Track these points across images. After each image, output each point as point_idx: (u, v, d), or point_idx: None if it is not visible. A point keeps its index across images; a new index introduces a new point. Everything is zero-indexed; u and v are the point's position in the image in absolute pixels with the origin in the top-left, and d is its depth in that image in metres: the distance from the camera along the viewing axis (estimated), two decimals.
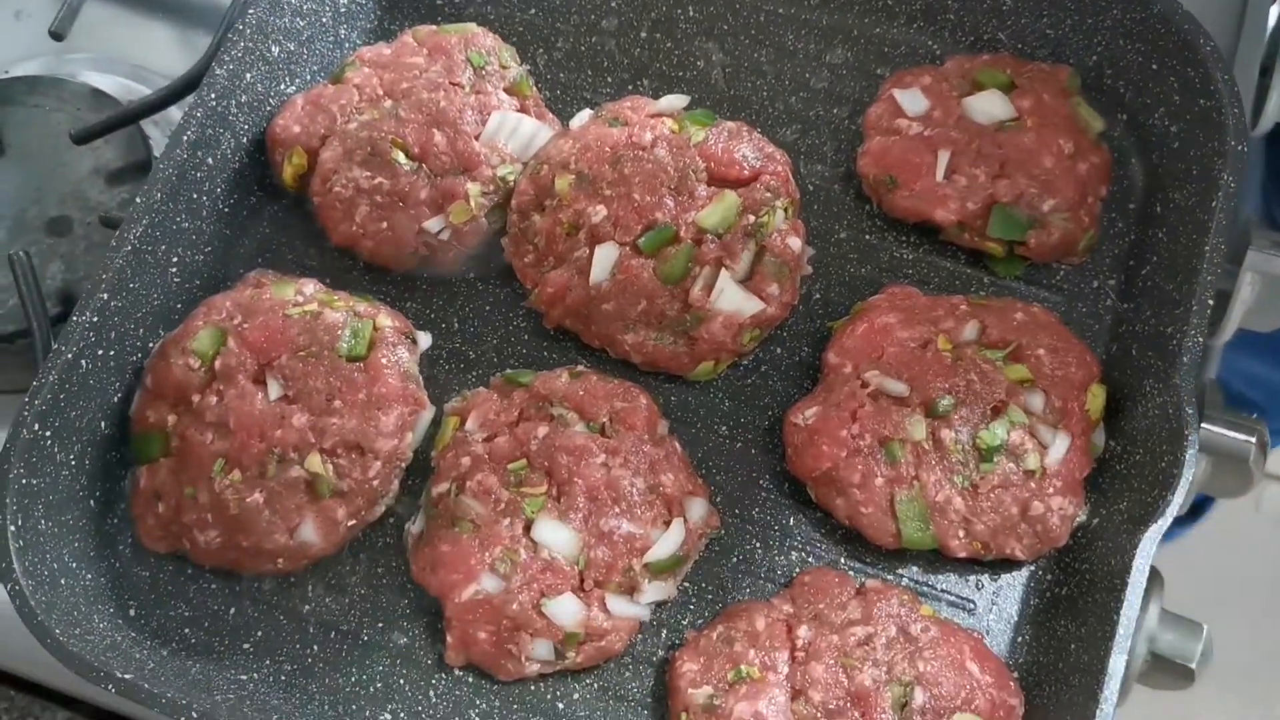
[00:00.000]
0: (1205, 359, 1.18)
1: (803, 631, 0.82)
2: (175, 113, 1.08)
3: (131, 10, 1.18)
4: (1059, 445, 0.85)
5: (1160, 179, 0.96)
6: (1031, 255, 0.94)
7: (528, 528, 0.84)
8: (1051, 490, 0.84)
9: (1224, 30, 1.07)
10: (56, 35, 1.09)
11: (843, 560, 0.89)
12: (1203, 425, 0.90)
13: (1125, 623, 0.77)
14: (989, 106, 0.95)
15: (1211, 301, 0.85)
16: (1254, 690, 2.24)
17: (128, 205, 1.04)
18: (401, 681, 0.87)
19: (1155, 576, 0.85)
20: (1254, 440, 0.90)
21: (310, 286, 0.93)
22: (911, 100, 0.96)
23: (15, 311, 1.00)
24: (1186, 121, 0.93)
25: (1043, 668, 0.84)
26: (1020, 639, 0.86)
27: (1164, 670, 0.84)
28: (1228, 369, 1.90)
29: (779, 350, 0.95)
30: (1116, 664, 0.76)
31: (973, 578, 0.88)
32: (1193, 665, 0.84)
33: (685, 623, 0.87)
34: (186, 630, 0.89)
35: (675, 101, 0.98)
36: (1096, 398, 0.87)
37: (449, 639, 0.85)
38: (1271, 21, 1.06)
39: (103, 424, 0.90)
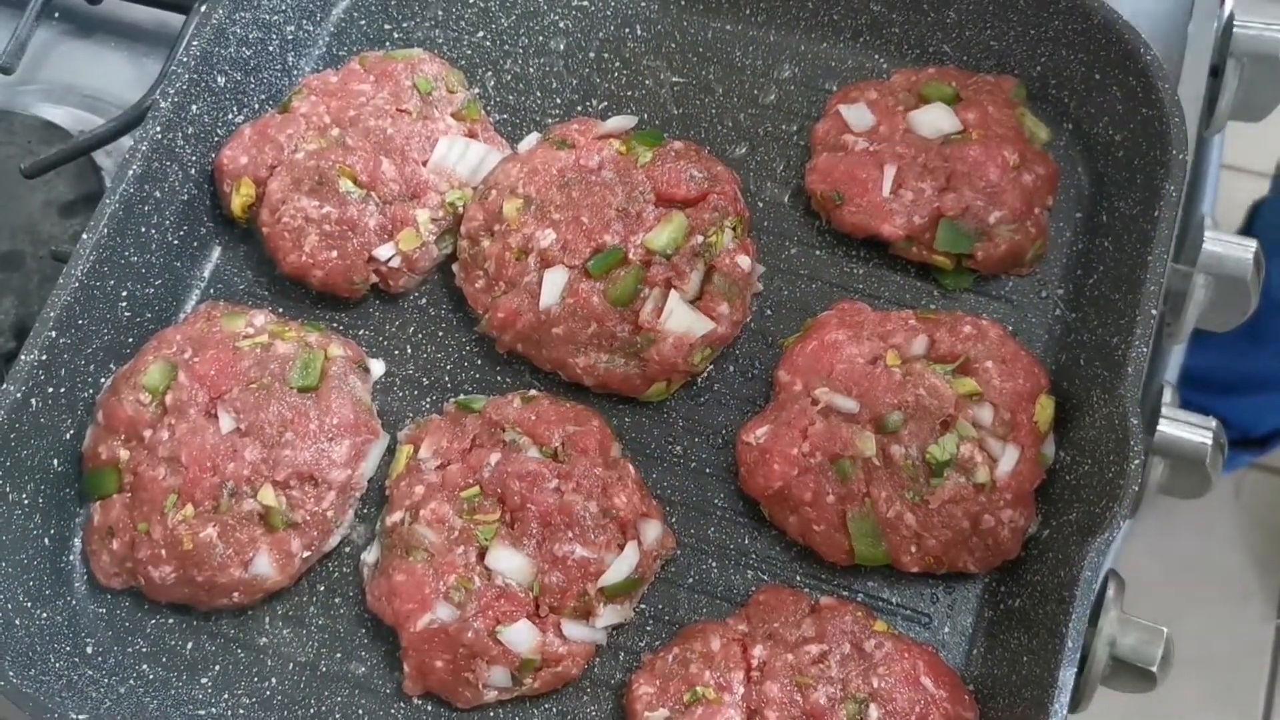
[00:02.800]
0: (1162, 362, 1.19)
1: (758, 651, 0.83)
2: (128, 142, 1.07)
3: (81, 39, 1.18)
4: (1008, 458, 0.86)
5: (1106, 188, 0.96)
6: (979, 267, 0.94)
7: (481, 555, 0.85)
8: (1002, 503, 0.85)
9: (1172, 32, 1.07)
10: (5, 70, 1.09)
11: (798, 578, 0.89)
12: (1159, 428, 0.91)
13: (1074, 635, 0.77)
14: (934, 120, 0.96)
15: (1156, 312, 0.85)
16: (1232, 675, 2.26)
17: (80, 238, 1.04)
18: (361, 712, 0.87)
19: (1116, 581, 0.86)
20: (1209, 442, 0.91)
21: (261, 318, 0.93)
22: (857, 116, 0.97)
23: None
24: (1130, 130, 0.94)
25: (997, 680, 0.84)
26: (975, 651, 0.86)
27: (1126, 673, 0.85)
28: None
29: (732, 369, 0.95)
30: (1066, 677, 0.76)
31: (928, 591, 0.88)
32: (1154, 669, 0.85)
33: (643, 645, 0.88)
34: (144, 666, 0.89)
35: (623, 122, 0.98)
36: (1045, 409, 0.88)
37: (406, 668, 0.85)
38: (1219, 23, 1.07)
39: (55, 461, 0.90)
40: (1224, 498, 2.39)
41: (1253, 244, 0.96)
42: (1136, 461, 0.80)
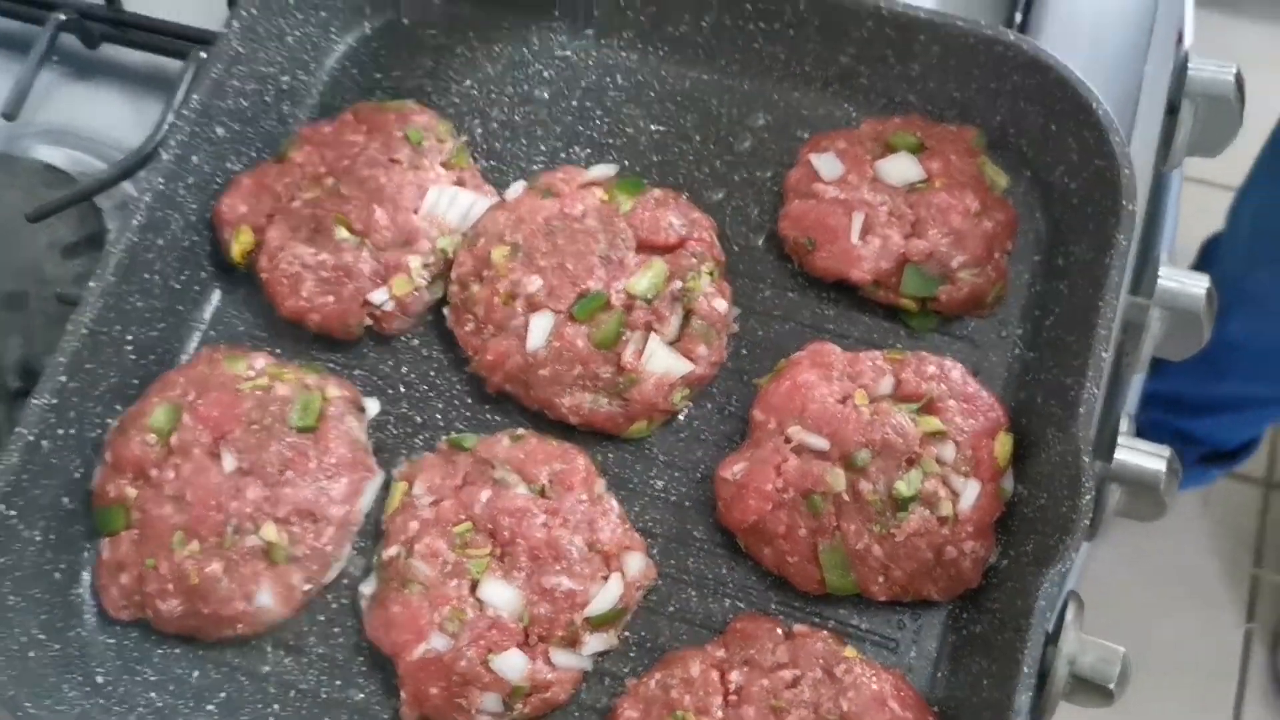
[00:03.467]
0: (1120, 393, 1.24)
1: (735, 675, 0.88)
2: (126, 185, 1.12)
3: (79, 82, 1.21)
4: (970, 492, 0.91)
5: (1062, 233, 1.02)
6: (943, 309, 1.00)
7: (474, 587, 0.89)
8: (964, 535, 0.90)
9: (1129, 73, 1.13)
10: (8, 116, 1.13)
11: (773, 606, 0.94)
12: (1115, 457, 0.96)
13: (1030, 660, 0.83)
14: (900, 170, 1.01)
15: (1107, 354, 0.91)
16: (1202, 680, 2.31)
17: (83, 279, 1.08)
18: None
19: (1076, 603, 0.91)
20: (1163, 469, 0.96)
21: (261, 361, 0.98)
22: (827, 165, 1.02)
23: None
24: (1084, 180, 0.99)
25: (959, 702, 0.89)
26: (940, 674, 0.92)
27: (1085, 691, 0.90)
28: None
29: (709, 407, 1.00)
30: (1022, 701, 0.82)
31: (895, 618, 0.93)
32: (1111, 686, 0.90)
33: (627, 671, 0.92)
34: (153, 694, 0.93)
35: (605, 170, 1.03)
36: (1004, 445, 0.93)
37: (403, 695, 0.89)
38: (1174, 64, 1.12)
39: (65, 499, 0.94)
40: (1193, 506, 2.45)
41: (1205, 280, 1.02)
42: (1088, 497, 0.85)
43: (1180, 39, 1.33)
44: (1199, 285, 1.02)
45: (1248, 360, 1.96)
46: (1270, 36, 2.75)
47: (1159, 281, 1.01)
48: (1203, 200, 2.23)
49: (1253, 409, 2.15)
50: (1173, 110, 1.12)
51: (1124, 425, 1.04)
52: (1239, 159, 1.72)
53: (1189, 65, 1.09)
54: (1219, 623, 2.37)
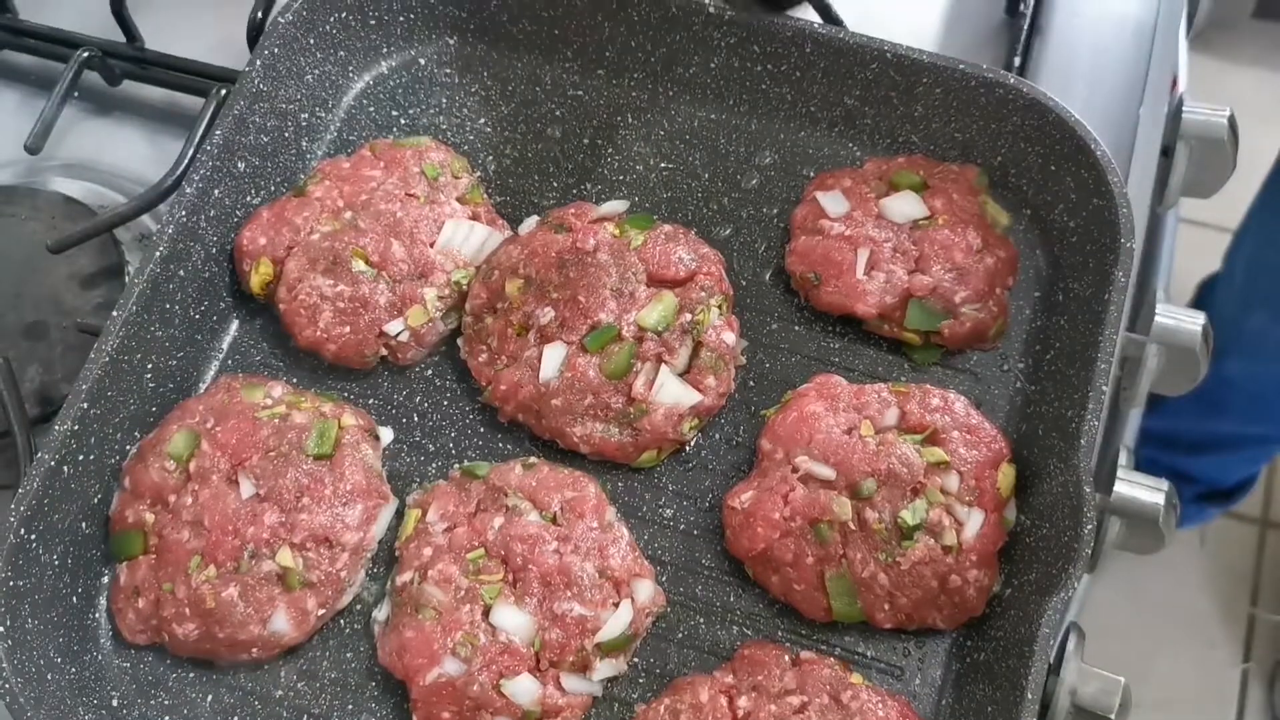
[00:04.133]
0: (1119, 425, 1.26)
1: (743, 702, 0.89)
2: (145, 218, 1.14)
3: (99, 118, 1.24)
4: (973, 522, 0.93)
5: (1061, 270, 1.04)
6: (946, 343, 1.02)
7: (486, 613, 0.91)
8: (968, 564, 0.92)
9: (1125, 116, 1.16)
10: (32, 150, 1.15)
11: (780, 633, 0.95)
12: (1114, 490, 0.98)
13: (1034, 688, 0.84)
14: (904, 207, 1.03)
15: (1107, 388, 0.93)
16: (1198, 718, 2.32)
17: (102, 309, 1.11)
18: None
19: (1077, 634, 0.93)
20: (1162, 503, 0.98)
21: (278, 389, 1.00)
22: (833, 202, 1.04)
23: None
24: (1083, 218, 1.02)
25: None
26: (944, 702, 0.93)
27: None
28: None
29: (717, 437, 1.02)
30: None
31: (900, 646, 0.95)
32: (1112, 716, 0.91)
33: (635, 696, 0.94)
34: (166, 718, 0.94)
35: (616, 206, 1.06)
36: (1007, 476, 0.95)
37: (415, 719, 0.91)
38: (1169, 107, 1.15)
39: (84, 524, 0.96)
40: (1190, 544, 2.46)
41: (1201, 317, 1.04)
42: (1090, 527, 0.87)
43: (1175, 83, 1.37)
44: (1195, 322, 1.04)
45: (1244, 400, 1.99)
46: (1262, 82, 2.81)
47: (1156, 319, 1.04)
48: (1199, 241, 2.26)
49: (1249, 448, 2.17)
50: (1167, 152, 1.15)
51: (1123, 458, 1.06)
52: (1235, 201, 1.76)
53: (1183, 108, 1.13)
54: (1215, 661, 2.38)
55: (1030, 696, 0.83)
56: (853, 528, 0.92)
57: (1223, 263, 2.05)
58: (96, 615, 0.97)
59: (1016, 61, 1.15)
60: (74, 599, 0.95)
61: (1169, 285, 1.60)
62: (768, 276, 1.07)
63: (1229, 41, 2.72)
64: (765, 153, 1.12)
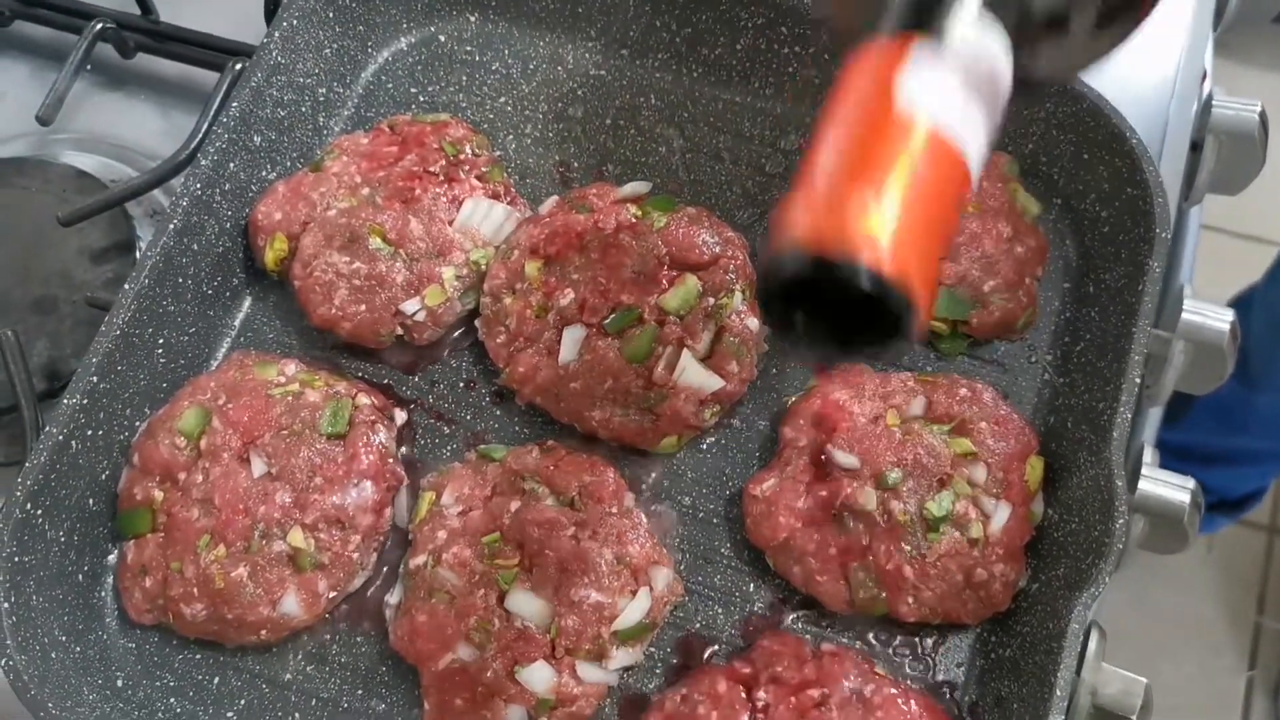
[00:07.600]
0: (1142, 423, 1.24)
1: (762, 693, 0.87)
2: (157, 193, 1.12)
3: (111, 91, 1.22)
4: (1000, 515, 0.91)
5: (1093, 260, 1.02)
6: (974, 333, 1.00)
7: (501, 598, 0.89)
8: (994, 558, 0.90)
9: (1155, 110, 1.14)
10: (44, 121, 1.13)
11: (801, 624, 0.93)
12: (1139, 487, 0.96)
13: (1062, 684, 0.82)
14: None
15: (1139, 380, 0.91)
16: None
17: (112, 284, 1.09)
18: None
19: (1099, 633, 0.91)
20: (1187, 501, 0.96)
21: (292, 367, 0.98)
22: None
23: (3, 388, 1.04)
24: (1115, 208, 1.00)
25: None
26: (968, 697, 0.91)
27: None
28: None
29: (738, 424, 1.00)
30: None
31: (924, 640, 0.93)
32: (1133, 717, 0.89)
33: (652, 686, 0.92)
34: (172, 700, 0.92)
35: (638, 188, 1.04)
36: (1035, 469, 0.93)
37: (427, 706, 0.89)
38: (1199, 102, 1.14)
39: (91, 501, 0.94)
40: (1198, 552, 2.45)
41: (1229, 314, 1.02)
42: (1121, 521, 0.85)
43: (1205, 76, 1.35)
44: (1223, 320, 1.02)
45: (1268, 422, 1.97)
46: None
47: (1183, 315, 1.02)
48: (1217, 247, 2.24)
49: (1266, 462, 2.15)
50: (1196, 147, 1.13)
51: (1148, 456, 1.04)
52: (1250, 205, 1.73)
53: (1214, 103, 1.11)
54: (1221, 669, 2.36)
55: (1059, 694, 0.81)
56: (878, 518, 0.90)
57: (1263, 282, 2.01)
58: (103, 594, 0.95)
59: None
60: (80, 577, 0.93)
61: (1192, 285, 1.58)
62: None
63: (1248, 46, 2.69)
64: (790, 137, 1.10)
